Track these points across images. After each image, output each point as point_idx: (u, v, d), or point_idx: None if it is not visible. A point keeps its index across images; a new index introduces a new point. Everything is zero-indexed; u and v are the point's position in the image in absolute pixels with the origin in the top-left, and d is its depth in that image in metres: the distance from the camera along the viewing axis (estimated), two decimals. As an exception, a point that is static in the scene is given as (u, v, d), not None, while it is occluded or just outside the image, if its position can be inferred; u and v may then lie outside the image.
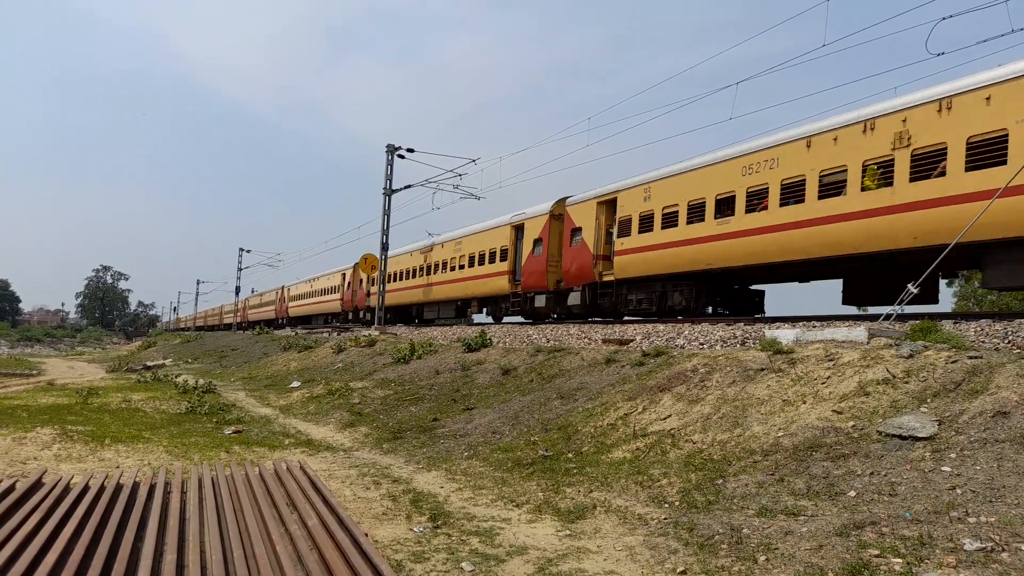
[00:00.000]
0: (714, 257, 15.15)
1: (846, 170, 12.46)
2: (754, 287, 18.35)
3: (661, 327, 14.46)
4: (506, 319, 24.36)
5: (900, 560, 4.37)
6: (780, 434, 7.05)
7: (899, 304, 10.64)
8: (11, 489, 6.40)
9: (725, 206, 14.94)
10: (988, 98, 10.46)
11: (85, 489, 6.55)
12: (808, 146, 13.19)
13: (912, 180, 11.40)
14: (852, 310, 15.91)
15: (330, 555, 4.84)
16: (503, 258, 23.69)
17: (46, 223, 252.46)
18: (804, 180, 13.17)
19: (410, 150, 30.13)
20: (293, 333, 37.23)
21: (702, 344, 11.79)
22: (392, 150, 30.29)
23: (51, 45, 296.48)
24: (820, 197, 12.82)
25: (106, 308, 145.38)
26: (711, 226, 15.21)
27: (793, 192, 13.40)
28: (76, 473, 7.75)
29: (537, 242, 21.91)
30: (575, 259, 20.16)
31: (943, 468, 5.51)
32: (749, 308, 18.16)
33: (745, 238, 14.32)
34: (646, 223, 17.34)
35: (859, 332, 8.91)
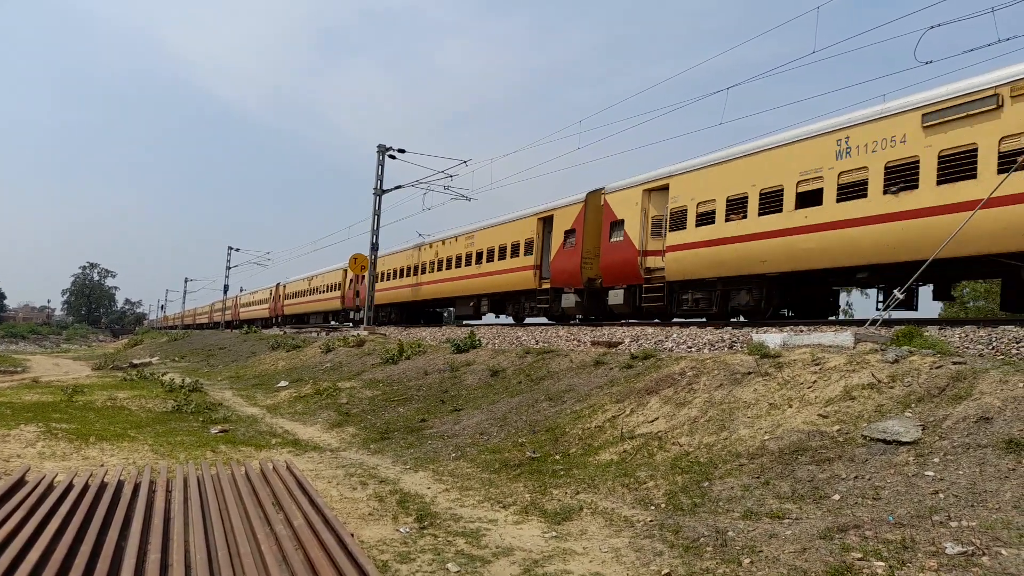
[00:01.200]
0: (407, 295, 31.75)
1: (460, 256, 26.71)
2: (438, 309, 35.82)
3: (650, 330, 14.51)
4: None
5: (883, 563, 4.40)
6: (766, 437, 7.09)
7: (886, 309, 10.73)
8: (-7, 487, 6.35)
9: (405, 272, 32.03)
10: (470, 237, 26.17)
11: (69, 487, 6.50)
12: (430, 246, 29.65)
13: (466, 265, 26.20)
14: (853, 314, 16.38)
15: (316, 555, 4.82)
16: (338, 288, 41.01)
17: (33, 220, 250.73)
18: (435, 261, 28.91)
19: (401, 150, 30.12)
20: (282, 332, 37.19)
21: (690, 347, 11.84)
22: (383, 150, 30.24)
23: (49, 45, 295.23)
24: (437, 271, 28.58)
25: (92, 305, 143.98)
26: (400, 281, 32.43)
27: (435, 265, 28.82)
28: (60, 471, 7.69)
29: (350, 281, 37.99)
30: (362, 291, 35.64)
31: (926, 473, 5.56)
32: (438, 321, 35.48)
33: (419, 286, 30.25)
34: (385, 277, 34.29)
35: (845, 337, 8.98)
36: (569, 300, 19.68)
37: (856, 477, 5.85)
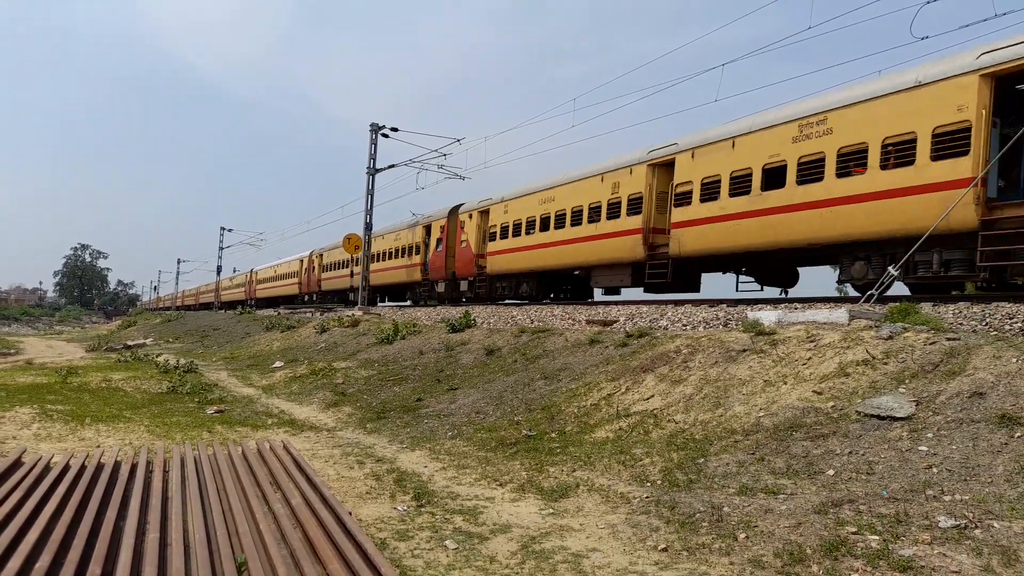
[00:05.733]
0: (347, 283, 36.16)
1: (381, 252, 32.75)
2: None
3: (645, 309, 14.54)
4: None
5: (877, 537, 4.45)
6: (761, 414, 7.13)
7: (879, 287, 10.77)
8: (-10, 468, 6.34)
9: (341, 264, 37.71)
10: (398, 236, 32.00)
11: (66, 468, 6.51)
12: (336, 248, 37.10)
13: (383, 260, 32.81)
14: (831, 292, 16.62)
15: (314, 533, 4.85)
16: (296, 276, 48.10)
17: (24, 201, 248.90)
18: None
19: (394, 129, 29.85)
20: (276, 313, 37.12)
21: (685, 325, 11.87)
22: (376, 129, 29.97)
23: (32, 27, 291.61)
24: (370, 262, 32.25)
25: (84, 287, 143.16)
26: (337, 272, 38.44)
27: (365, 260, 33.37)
28: (56, 452, 7.69)
29: (305, 270, 45.49)
30: (313, 279, 44.09)
31: (920, 447, 5.61)
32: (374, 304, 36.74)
33: (354, 276, 33.63)
34: (333, 267, 39.80)
35: (840, 314, 9.01)
36: (440, 287, 27.53)
37: (850, 452, 5.89)
